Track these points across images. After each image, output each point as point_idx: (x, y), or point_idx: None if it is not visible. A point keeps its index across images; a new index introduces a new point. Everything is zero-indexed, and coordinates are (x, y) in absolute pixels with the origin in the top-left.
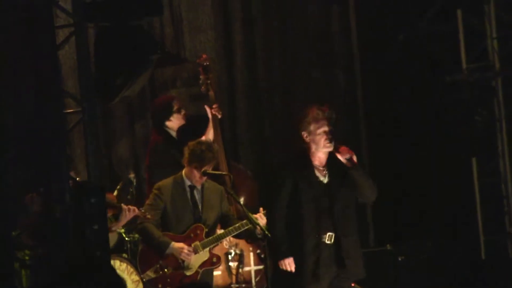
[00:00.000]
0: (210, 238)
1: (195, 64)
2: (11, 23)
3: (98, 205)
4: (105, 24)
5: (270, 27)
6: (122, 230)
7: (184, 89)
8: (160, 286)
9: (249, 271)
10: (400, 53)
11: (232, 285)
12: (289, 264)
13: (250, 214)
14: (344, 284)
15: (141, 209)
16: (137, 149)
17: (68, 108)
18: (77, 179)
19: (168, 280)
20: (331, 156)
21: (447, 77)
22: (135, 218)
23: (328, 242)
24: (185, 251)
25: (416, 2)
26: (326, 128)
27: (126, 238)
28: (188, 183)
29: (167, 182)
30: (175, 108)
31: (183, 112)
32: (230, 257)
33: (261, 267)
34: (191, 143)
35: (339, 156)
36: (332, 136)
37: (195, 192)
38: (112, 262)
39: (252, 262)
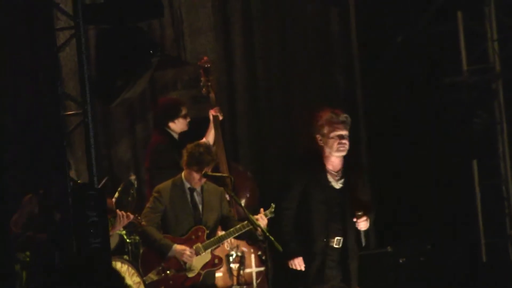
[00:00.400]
0: (212, 239)
1: (196, 66)
2: (11, 25)
3: (98, 207)
4: (106, 26)
5: (269, 27)
6: (123, 232)
7: (184, 91)
8: None
9: (250, 273)
10: (400, 53)
11: (233, 287)
12: (298, 264)
13: (251, 216)
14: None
15: (136, 215)
16: (138, 151)
17: (69, 110)
18: (78, 181)
19: (171, 282)
20: (346, 162)
21: (446, 78)
22: (131, 223)
23: (337, 246)
24: (187, 253)
25: (416, 2)
26: (339, 132)
27: (127, 240)
28: (187, 185)
29: (166, 184)
30: (182, 112)
31: (188, 119)
32: (231, 258)
33: (262, 269)
34: (189, 146)
35: (356, 221)
36: (346, 141)
37: (195, 194)
38: (113, 263)
39: (253, 264)
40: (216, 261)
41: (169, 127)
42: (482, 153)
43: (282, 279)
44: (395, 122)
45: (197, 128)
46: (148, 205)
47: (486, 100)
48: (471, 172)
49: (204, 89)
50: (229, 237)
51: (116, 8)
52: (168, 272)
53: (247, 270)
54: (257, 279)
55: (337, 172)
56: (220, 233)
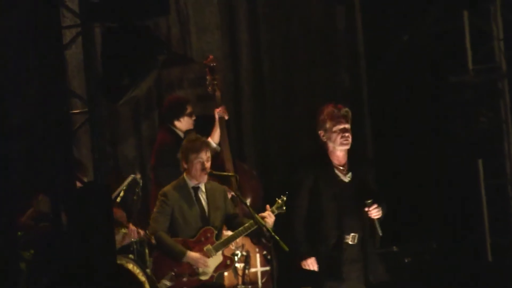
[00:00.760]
0: (222, 241)
1: (202, 65)
2: (18, 23)
3: (104, 205)
4: (112, 25)
5: (275, 26)
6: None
7: (190, 90)
8: None
9: (255, 272)
10: (405, 52)
11: (238, 286)
12: (311, 264)
13: (256, 215)
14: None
15: (146, 231)
16: (143, 149)
17: (75, 108)
18: (84, 179)
19: (185, 287)
20: (351, 156)
21: (452, 77)
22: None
23: (352, 242)
24: (201, 261)
25: (421, 1)
26: (342, 126)
27: (132, 239)
28: (191, 184)
29: (171, 186)
30: (188, 110)
31: (193, 117)
32: (236, 258)
33: (267, 268)
34: (180, 149)
35: (369, 213)
36: (349, 134)
37: (199, 193)
38: (118, 263)
39: (258, 263)
40: (228, 262)
41: (174, 126)
42: (487, 153)
43: (287, 279)
44: (400, 121)
45: (203, 126)
46: (155, 209)
47: (492, 99)
48: (477, 172)
49: (209, 88)
50: (238, 236)
51: (122, 6)
52: (181, 278)
53: (252, 270)
54: (262, 278)
55: (343, 166)
56: (225, 232)
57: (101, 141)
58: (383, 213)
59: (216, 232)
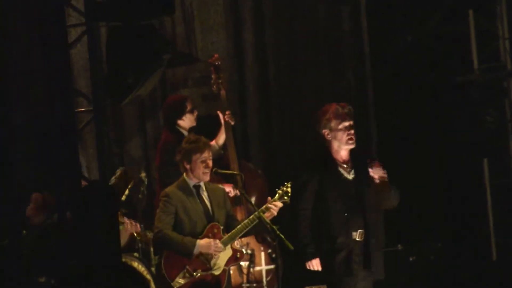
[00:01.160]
0: (229, 234)
1: (207, 64)
2: (23, 22)
3: (109, 204)
4: (117, 24)
5: (280, 26)
6: None
7: (195, 89)
8: None
9: (260, 271)
10: (410, 52)
11: (243, 285)
12: (316, 265)
13: (261, 214)
14: (369, 284)
15: (142, 226)
16: (148, 148)
17: (80, 107)
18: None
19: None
20: (352, 153)
21: (457, 77)
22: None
23: (359, 239)
24: (213, 245)
25: (426, 1)
26: (347, 123)
27: (137, 238)
28: (192, 183)
29: (172, 187)
30: (188, 108)
31: (195, 113)
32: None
33: (272, 266)
34: (178, 151)
35: (371, 172)
36: (354, 132)
37: (201, 192)
38: (129, 262)
39: (263, 262)
40: (238, 255)
41: (178, 125)
42: (492, 152)
43: (292, 277)
44: (405, 121)
45: (208, 126)
46: (158, 210)
47: (497, 98)
48: (482, 171)
49: (214, 87)
50: (245, 229)
51: (127, 5)
52: (195, 273)
53: (257, 268)
54: (267, 277)
55: (347, 164)
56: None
57: (107, 140)
58: (396, 200)
59: (222, 227)
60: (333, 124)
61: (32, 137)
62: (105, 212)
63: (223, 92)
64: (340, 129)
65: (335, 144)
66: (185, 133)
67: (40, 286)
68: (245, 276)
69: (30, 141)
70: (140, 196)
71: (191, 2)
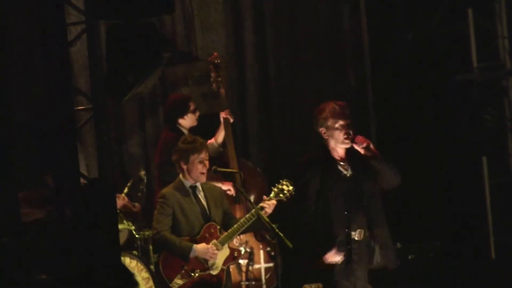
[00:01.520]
0: (226, 233)
1: (206, 62)
2: (23, 21)
3: (108, 202)
4: (117, 22)
5: (280, 25)
6: (133, 227)
7: (195, 87)
8: None
9: (259, 269)
10: (410, 50)
11: (242, 283)
12: (333, 256)
13: (260, 213)
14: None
15: (134, 204)
16: (148, 146)
17: (80, 105)
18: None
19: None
20: (349, 149)
21: (456, 75)
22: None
23: (358, 238)
24: (210, 251)
25: (426, 1)
26: (343, 122)
27: (137, 236)
28: (188, 183)
29: (169, 189)
30: (191, 108)
31: (197, 114)
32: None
33: (271, 264)
34: (175, 151)
35: (356, 147)
36: (350, 130)
37: (197, 192)
38: (122, 259)
39: (262, 260)
40: (236, 254)
41: (179, 124)
42: (492, 150)
43: (291, 275)
44: (405, 119)
45: (208, 124)
46: (156, 212)
47: (496, 97)
48: (481, 169)
49: (214, 85)
50: (242, 227)
51: (127, 4)
52: (193, 274)
53: (256, 266)
54: (266, 275)
55: (344, 161)
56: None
57: (106, 138)
58: (396, 177)
59: (219, 227)
60: (330, 122)
61: (32, 135)
62: (104, 210)
63: (222, 91)
64: (337, 128)
65: (331, 143)
66: (186, 132)
67: (40, 284)
68: (244, 274)
69: (30, 140)
70: (139, 194)
71: (191, 0)
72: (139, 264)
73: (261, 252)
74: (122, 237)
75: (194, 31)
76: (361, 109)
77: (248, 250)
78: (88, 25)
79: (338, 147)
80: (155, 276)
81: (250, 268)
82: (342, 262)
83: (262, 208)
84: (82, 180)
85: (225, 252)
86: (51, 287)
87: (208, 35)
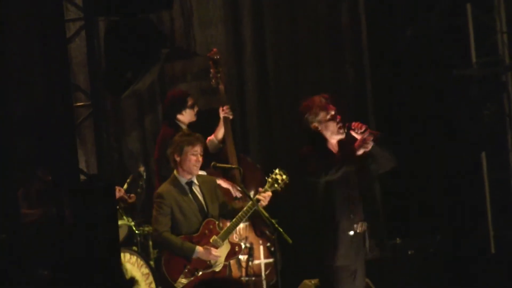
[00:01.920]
0: (226, 229)
1: (205, 58)
2: (21, 17)
3: (108, 199)
4: (115, 18)
5: (279, 21)
6: (132, 223)
7: (194, 83)
8: None
9: (259, 264)
10: (409, 46)
11: (242, 278)
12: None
13: (260, 208)
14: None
15: (129, 195)
16: (147, 142)
17: (78, 101)
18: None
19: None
20: (340, 142)
21: (455, 71)
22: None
23: (359, 231)
24: (213, 253)
25: None
26: (334, 111)
27: (136, 231)
28: (184, 180)
29: (165, 187)
30: (189, 103)
31: (196, 109)
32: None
33: (271, 260)
34: (170, 144)
35: (354, 134)
36: (342, 119)
37: (193, 188)
38: (122, 255)
39: (261, 255)
40: (237, 248)
41: (178, 120)
42: (491, 146)
43: (291, 271)
44: (404, 115)
45: (206, 120)
46: (154, 212)
47: (496, 92)
48: (480, 165)
49: (213, 81)
50: (240, 221)
51: (126, 0)
52: (196, 273)
53: (256, 262)
54: (265, 270)
55: (339, 153)
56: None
57: (105, 134)
58: (393, 160)
59: (217, 222)
60: (321, 116)
61: (31, 131)
62: (103, 206)
63: (221, 87)
64: (329, 119)
65: (327, 135)
66: (184, 127)
67: (40, 280)
68: (244, 270)
69: (28, 136)
70: (138, 190)
71: None
72: (138, 260)
73: (261, 247)
74: (122, 233)
75: (192, 27)
76: (360, 106)
77: (248, 245)
78: (86, 21)
79: (334, 138)
80: (155, 272)
81: (250, 263)
82: (344, 246)
83: (258, 200)
84: (81, 177)
85: (226, 248)
86: (51, 283)
87: (207, 31)
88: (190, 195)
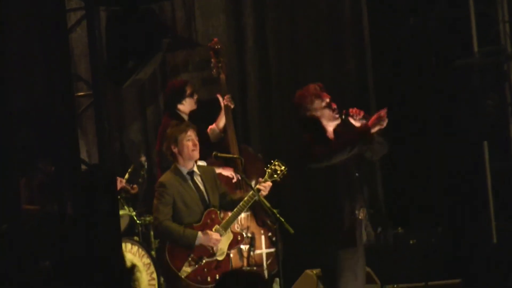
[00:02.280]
0: (228, 218)
1: (207, 48)
2: (22, 6)
3: (109, 188)
4: (116, 8)
5: (281, 11)
6: (133, 213)
7: (195, 73)
8: (199, 278)
9: (261, 254)
10: (411, 36)
11: (244, 268)
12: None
13: (262, 198)
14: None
15: (131, 185)
16: (149, 132)
17: (80, 91)
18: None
19: (205, 270)
20: (334, 130)
21: (458, 61)
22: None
23: (361, 217)
24: (214, 237)
25: None
26: (328, 98)
27: (138, 221)
28: (185, 170)
29: (167, 176)
30: (188, 92)
31: (195, 97)
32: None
33: (272, 250)
34: (164, 139)
35: (352, 120)
36: (336, 106)
37: (195, 177)
38: (123, 245)
39: (263, 245)
40: (239, 237)
41: (178, 110)
42: (493, 135)
43: (292, 260)
44: (406, 106)
45: (208, 110)
46: (155, 201)
47: (497, 82)
48: (482, 154)
49: (214, 71)
50: (242, 210)
51: None
52: (200, 261)
53: (257, 252)
54: (267, 260)
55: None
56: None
57: (106, 124)
58: (386, 147)
59: (218, 211)
60: (316, 104)
61: (32, 121)
62: (105, 196)
63: (223, 76)
64: (325, 107)
65: (323, 122)
66: (186, 117)
67: (42, 271)
68: (245, 260)
69: (30, 126)
70: (140, 180)
71: None
72: (140, 250)
73: (263, 237)
74: (123, 223)
75: (194, 17)
76: (362, 95)
77: (249, 235)
78: (87, 11)
79: (330, 125)
80: (156, 262)
81: (252, 253)
82: (348, 229)
83: (259, 190)
84: (83, 167)
85: (228, 237)
86: (53, 274)
87: (208, 21)
88: (191, 184)
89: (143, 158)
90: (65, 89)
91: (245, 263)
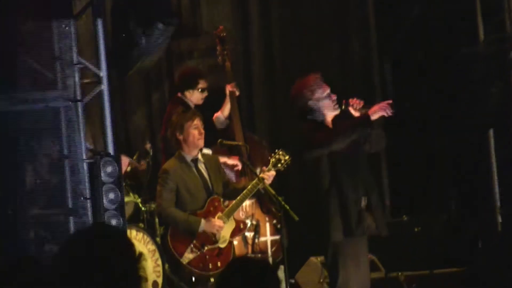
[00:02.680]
0: (231, 206)
1: (212, 36)
2: None
3: (114, 174)
4: None
5: None
6: (139, 200)
7: (200, 60)
8: (201, 265)
9: (265, 241)
10: (416, 24)
11: (248, 255)
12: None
13: (267, 185)
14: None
15: (140, 162)
16: (153, 120)
17: (85, 78)
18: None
19: (207, 257)
20: (332, 120)
21: (463, 49)
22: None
23: (362, 206)
24: (217, 223)
25: None
26: (328, 89)
27: (142, 208)
28: (189, 158)
29: (170, 163)
30: (200, 85)
31: (205, 94)
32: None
33: (277, 237)
34: (169, 126)
35: (352, 110)
36: (336, 97)
37: (199, 164)
38: (128, 231)
39: (268, 233)
40: (242, 225)
41: (185, 96)
42: (498, 123)
43: (297, 248)
44: (411, 93)
45: (213, 97)
46: (159, 187)
47: (503, 70)
48: (488, 142)
49: (219, 58)
50: (245, 198)
51: None
52: (202, 248)
53: (262, 239)
54: (272, 247)
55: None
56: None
57: (112, 111)
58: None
59: (222, 199)
60: (318, 93)
61: (38, 111)
62: (110, 180)
63: (228, 64)
64: (326, 97)
65: (324, 112)
66: (191, 105)
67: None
68: (250, 247)
69: (35, 115)
70: (145, 167)
71: None
72: (145, 237)
73: (267, 224)
74: (128, 210)
75: (199, 4)
76: (367, 84)
77: (254, 222)
78: None
79: (329, 116)
80: (161, 249)
81: (256, 240)
82: (355, 215)
83: (263, 178)
84: (89, 153)
85: (231, 225)
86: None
87: (213, 8)
88: (195, 172)
89: (148, 145)
90: (70, 77)
91: (249, 250)
